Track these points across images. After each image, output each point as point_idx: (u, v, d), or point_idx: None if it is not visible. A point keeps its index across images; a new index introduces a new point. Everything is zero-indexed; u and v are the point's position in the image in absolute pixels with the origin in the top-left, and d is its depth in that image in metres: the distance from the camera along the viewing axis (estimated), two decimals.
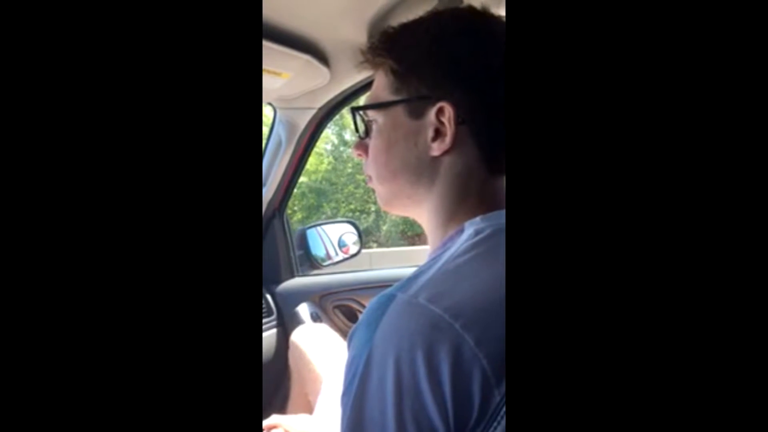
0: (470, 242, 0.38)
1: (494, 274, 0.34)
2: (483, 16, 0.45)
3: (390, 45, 0.45)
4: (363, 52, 0.47)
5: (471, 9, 0.46)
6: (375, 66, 0.46)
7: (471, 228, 0.40)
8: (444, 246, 0.42)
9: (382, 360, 0.34)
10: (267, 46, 0.75)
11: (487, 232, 0.39)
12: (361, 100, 1.09)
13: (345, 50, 0.85)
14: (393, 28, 0.46)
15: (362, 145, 0.49)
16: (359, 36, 0.80)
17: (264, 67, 0.84)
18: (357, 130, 0.49)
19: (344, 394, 0.37)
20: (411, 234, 8.31)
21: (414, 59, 0.43)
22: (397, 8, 0.74)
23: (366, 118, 0.47)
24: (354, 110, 0.48)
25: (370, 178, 0.49)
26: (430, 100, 0.42)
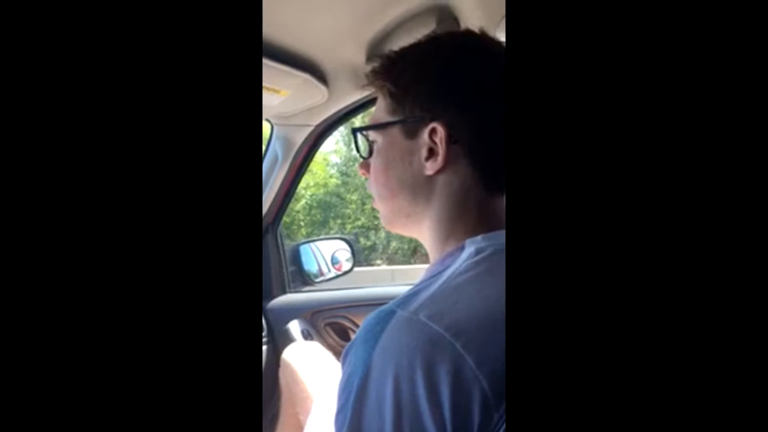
0: (471, 261, 0.39)
1: (495, 294, 0.34)
2: (478, 38, 0.47)
3: (389, 68, 0.47)
4: (366, 76, 0.48)
5: (467, 32, 0.48)
6: (376, 89, 0.48)
7: (472, 246, 0.40)
8: (443, 263, 0.42)
9: (380, 377, 0.33)
10: (267, 64, 0.76)
11: (488, 251, 0.39)
12: (358, 119, 1.11)
13: (344, 70, 0.87)
14: (394, 52, 0.47)
15: (366, 165, 0.50)
16: (358, 57, 0.82)
17: (264, 84, 0.85)
18: (358, 150, 0.50)
19: (340, 412, 0.36)
20: (424, 252, 8.20)
21: (409, 81, 0.45)
22: (396, 31, 0.76)
23: (369, 139, 0.49)
24: (355, 131, 0.50)
25: (374, 197, 0.50)
26: (424, 121, 0.44)
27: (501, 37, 0.78)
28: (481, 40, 0.47)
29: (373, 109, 0.52)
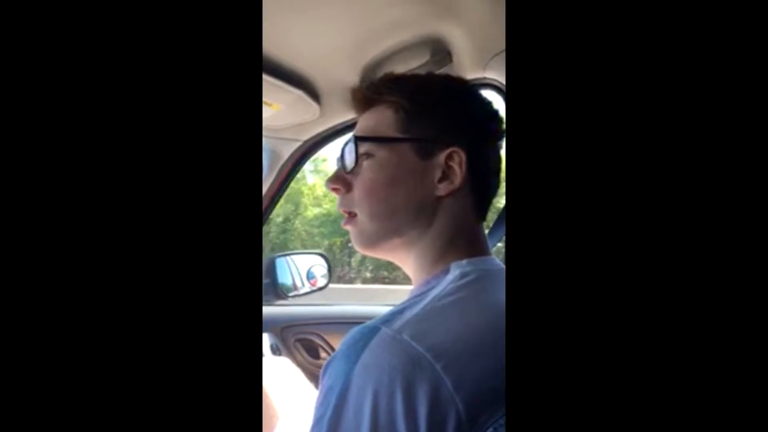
0: (456, 284, 0.40)
1: (477, 319, 0.36)
2: (475, 86, 0.53)
3: (404, 85, 0.47)
4: (370, 86, 0.48)
5: (467, 80, 0.53)
6: (378, 101, 0.48)
7: (457, 270, 0.42)
8: (428, 284, 0.43)
9: (360, 393, 0.34)
10: (262, 77, 0.78)
11: (472, 276, 0.41)
12: (346, 138, 1.13)
13: (337, 90, 0.89)
14: (402, 74, 0.50)
15: (342, 179, 0.47)
16: (352, 78, 0.84)
17: None
18: (343, 160, 0.48)
19: (316, 425, 0.36)
20: None
21: (428, 103, 0.46)
22: (392, 59, 0.79)
23: (363, 152, 0.46)
24: (357, 139, 0.47)
25: (349, 215, 0.48)
26: (442, 144, 0.45)
27: (487, 74, 0.82)
28: (476, 88, 0.52)
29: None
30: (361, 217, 0.47)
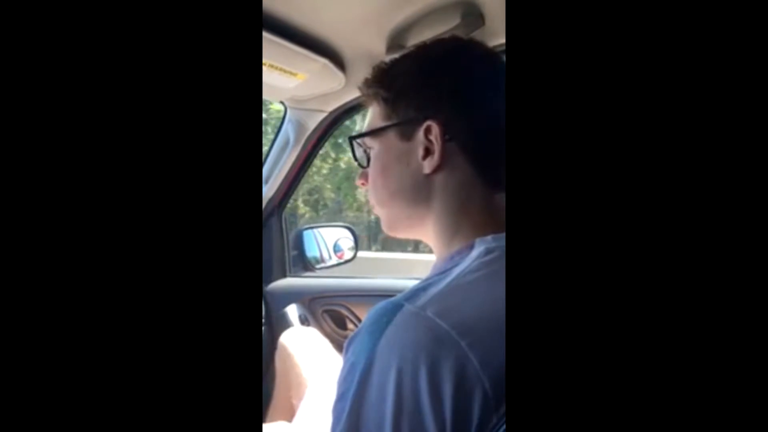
0: (480, 261, 0.39)
1: (503, 296, 0.34)
2: (465, 43, 0.50)
3: (382, 76, 0.48)
4: (360, 88, 0.50)
5: (455, 38, 0.52)
6: (370, 99, 0.49)
7: (482, 246, 0.40)
8: (452, 260, 0.42)
9: (384, 370, 0.34)
10: (286, 46, 0.76)
11: (498, 252, 0.39)
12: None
13: (362, 58, 0.86)
14: (384, 62, 0.49)
15: (365, 174, 0.51)
16: (378, 46, 0.81)
17: (281, 66, 0.84)
18: (356, 159, 0.52)
19: (339, 400, 0.36)
20: None
21: (402, 86, 0.46)
22: (418, 23, 0.75)
23: (366, 148, 0.50)
24: (351, 139, 0.51)
25: (374, 205, 0.51)
26: (418, 121, 0.45)
27: None
28: (468, 44, 0.49)
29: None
30: (375, 206, 0.50)
